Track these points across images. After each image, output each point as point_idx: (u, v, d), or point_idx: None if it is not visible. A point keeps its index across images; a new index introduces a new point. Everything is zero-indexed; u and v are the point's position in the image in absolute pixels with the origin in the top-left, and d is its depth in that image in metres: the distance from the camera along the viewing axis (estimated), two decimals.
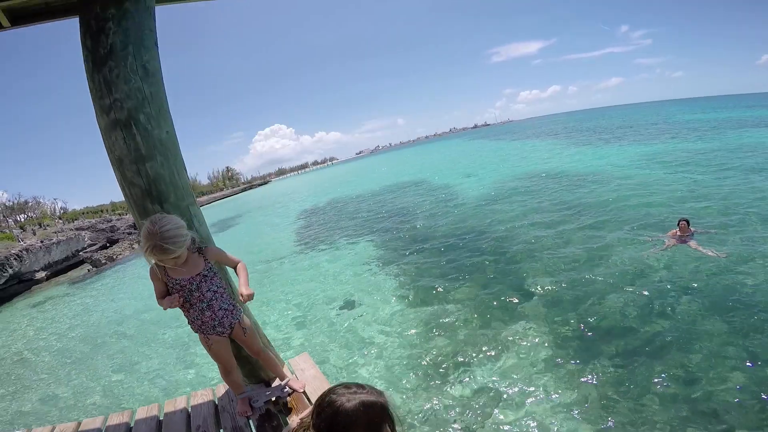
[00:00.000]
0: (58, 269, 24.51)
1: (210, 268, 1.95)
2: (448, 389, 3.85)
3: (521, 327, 4.67)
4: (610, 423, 3.05)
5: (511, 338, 4.50)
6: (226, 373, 2.11)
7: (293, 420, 1.98)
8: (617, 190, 9.95)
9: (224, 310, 1.96)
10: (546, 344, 4.26)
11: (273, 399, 2.19)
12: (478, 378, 3.92)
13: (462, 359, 4.29)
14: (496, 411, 3.39)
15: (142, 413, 2.55)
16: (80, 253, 27.04)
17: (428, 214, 11.60)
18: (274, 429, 2.05)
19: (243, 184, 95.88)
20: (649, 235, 6.49)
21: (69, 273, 23.73)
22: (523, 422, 3.21)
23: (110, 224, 37.07)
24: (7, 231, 27.96)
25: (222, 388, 2.49)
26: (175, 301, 1.86)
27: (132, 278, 15.18)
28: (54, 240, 26.77)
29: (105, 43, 2.13)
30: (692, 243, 5.71)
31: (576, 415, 3.17)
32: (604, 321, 4.46)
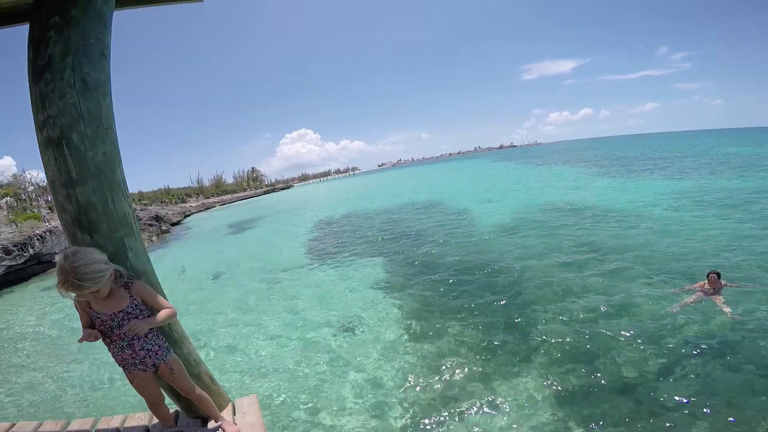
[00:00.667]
0: None
1: (136, 305, 1.85)
2: None
3: (524, 379, 4.27)
4: None
5: (512, 391, 4.10)
6: (151, 406, 2.06)
7: None
8: (644, 232, 9.28)
9: (146, 350, 1.89)
10: (549, 402, 3.86)
11: None
12: None
13: (455, 410, 3.90)
14: None
15: (75, 425, 2.48)
16: None
17: (442, 241, 11.17)
18: None
19: (266, 186, 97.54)
20: (676, 286, 5.93)
21: None
22: None
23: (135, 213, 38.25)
24: (36, 211, 28.96)
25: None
26: (90, 338, 1.76)
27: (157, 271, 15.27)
28: None
29: (44, 54, 1.97)
30: (719, 299, 5.20)
31: None
32: (615, 381, 4.01)
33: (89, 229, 1.88)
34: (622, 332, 4.82)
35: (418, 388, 4.40)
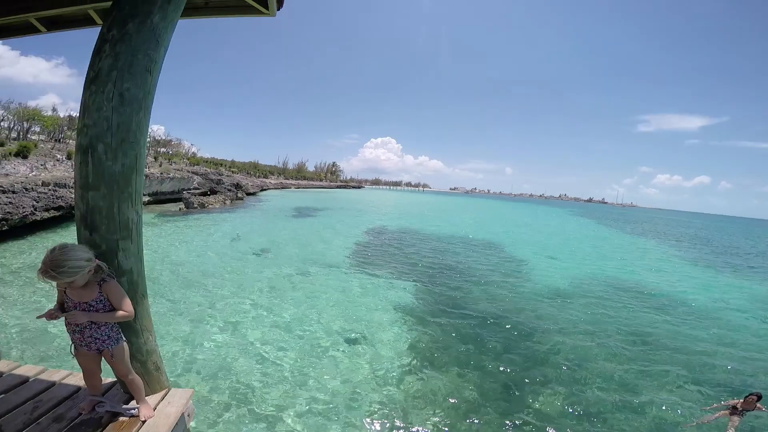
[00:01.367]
0: (160, 199, 28.08)
1: (101, 300, 2.03)
2: None
3: None
4: None
5: None
6: (85, 377, 2.23)
7: None
8: (710, 336, 7.62)
9: (94, 338, 2.06)
10: None
11: (114, 412, 2.21)
12: None
13: None
14: None
15: (22, 370, 2.62)
16: (184, 192, 30.63)
17: (482, 284, 10.29)
18: None
19: (340, 181, 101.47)
20: (715, 401, 4.90)
21: (166, 205, 26.91)
22: None
23: (219, 177, 41.77)
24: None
25: None
26: (50, 317, 1.98)
27: (201, 231, 16.39)
28: (170, 175, 30.90)
29: (96, 66, 2.15)
30: (735, 420, 4.32)
31: None
32: None
33: (90, 228, 2.12)
34: None
35: (387, 423, 4.00)
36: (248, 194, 42.93)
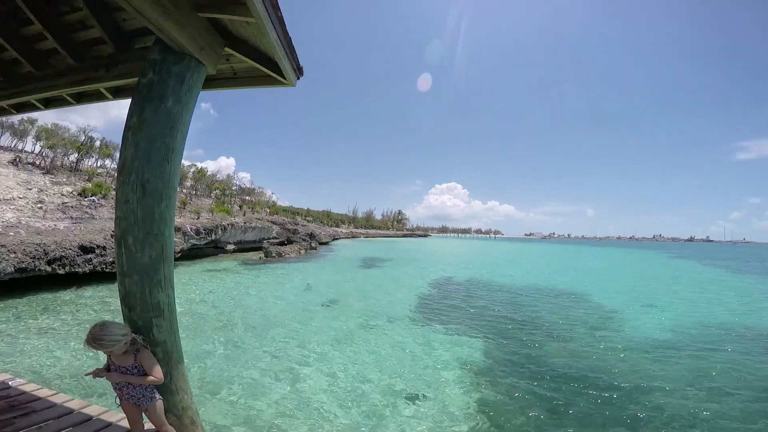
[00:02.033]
0: (244, 247, 30.50)
1: (135, 366, 2.34)
2: None
3: None
4: None
5: None
6: (129, 424, 2.51)
7: None
8: None
9: (131, 395, 2.39)
10: None
11: None
12: None
13: None
14: None
15: (91, 410, 2.89)
16: (264, 241, 33.04)
17: (566, 339, 9.17)
18: None
19: (406, 230, 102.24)
20: None
21: (248, 253, 29.09)
22: None
23: (295, 227, 44.64)
24: (229, 206, 36.69)
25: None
26: (95, 375, 2.37)
27: (276, 281, 17.23)
28: (252, 224, 33.68)
29: (123, 156, 2.42)
30: None
31: None
32: None
33: (129, 307, 2.45)
34: None
35: None
36: (321, 243, 44.92)
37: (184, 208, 29.69)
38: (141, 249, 2.37)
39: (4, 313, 9.22)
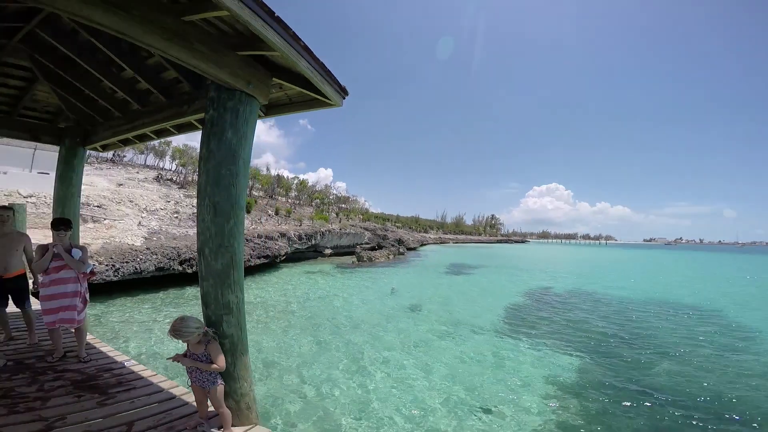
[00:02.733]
0: (339, 252, 32.47)
1: (204, 354, 2.74)
2: None
3: None
4: None
5: None
6: (197, 404, 2.90)
7: None
8: None
9: (198, 378, 2.77)
10: None
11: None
12: None
13: None
14: None
15: (176, 390, 3.39)
16: (357, 246, 34.70)
17: (686, 360, 7.68)
18: None
19: (501, 235, 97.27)
20: None
21: (343, 258, 30.83)
22: None
23: (385, 233, 46.01)
24: (326, 214, 39.48)
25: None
26: (174, 359, 2.79)
27: (364, 284, 17.92)
28: (347, 231, 35.67)
29: (200, 180, 2.81)
30: None
31: None
32: None
33: (205, 305, 2.89)
34: None
35: None
36: (409, 249, 45.41)
37: (289, 216, 32.87)
38: (215, 258, 2.78)
39: (144, 304, 11.28)
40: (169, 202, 24.27)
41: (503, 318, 11.87)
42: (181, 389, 3.39)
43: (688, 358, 8.04)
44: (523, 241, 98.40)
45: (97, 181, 25.20)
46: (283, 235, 24.26)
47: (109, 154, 35.02)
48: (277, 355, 7.43)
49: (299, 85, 3.05)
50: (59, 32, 3.32)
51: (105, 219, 18.51)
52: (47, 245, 3.78)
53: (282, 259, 22.19)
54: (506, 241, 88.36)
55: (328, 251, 31.02)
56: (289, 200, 44.52)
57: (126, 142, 5.25)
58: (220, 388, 2.80)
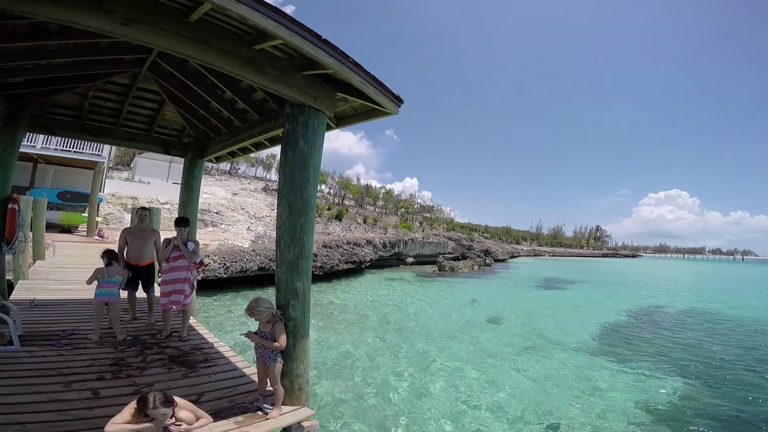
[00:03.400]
0: (421, 261, 32.68)
1: (270, 333, 3.08)
2: None
3: None
4: None
5: None
6: (258, 381, 3.30)
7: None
8: None
9: (261, 354, 3.11)
10: None
11: (259, 407, 3.13)
12: None
13: None
14: None
15: (246, 369, 3.94)
16: (439, 256, 34.54)
17: None
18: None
19: (607, 248, 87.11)
20: None
21: (424, 266, 30.97)
22: None
23: (470, 243, 44.86)
24: (410, 223, 40.10)
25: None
26: (246, 336, 3.15)
27: (444, 293, 17.82)
28: (430, 240, 35.78)
29: (279, 183, 3.34)
30: None
31: None
32: None
33: (277, 290, 3.28)
34: None
35: None
36: (497, 261, 43.48)
37: (376, 225, 34.26)
38: (288, 249, 3.21)
39: (246, 299, 12.88)
40: (273, 210, 27.24)
41: (595, 336, 10.85)
42: (252, 369, 3.86)
43: None
44: (634, 256, 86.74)
45: (217, 191, 29.46)
46: (369, 242, 25.39)
47: (227, 167, 40.72)
48: (343, 354, 7.81)
49: (359, 97, 3.44)
50: (173, 62, 4.26)
51: (221, 224, 21.55)
52: (170, 239, 4.63)
53: (367, 265, 23.19)
54: (613, 255, 78.76)
55: (410, 259, 31.44)
56: (377, 209, 46.25)
57: (232, 154, 6.26)
58: (279, 365, 3.10)
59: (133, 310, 5.23)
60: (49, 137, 14.22)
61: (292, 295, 3.22)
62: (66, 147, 15.07)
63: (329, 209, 32.30)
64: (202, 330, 5.21)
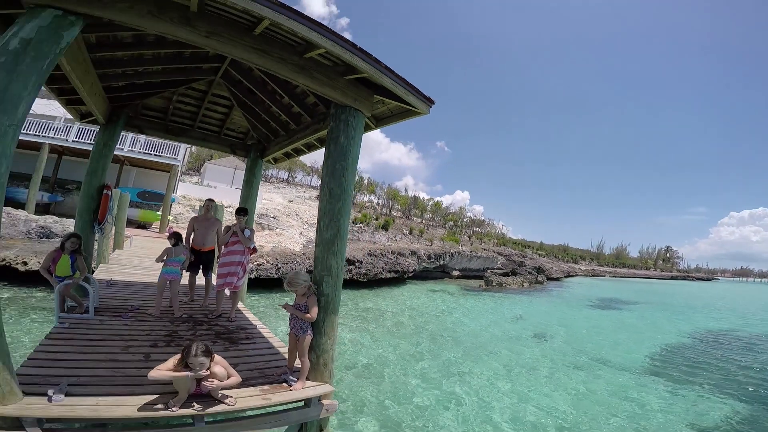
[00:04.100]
0: (467, 274, 32.14)
1: (304, 305, 3.40)
2: None
3: None
4: None
5: None
6: (288, 355, 3.63)
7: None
8: None
9: (294, 325, 3.44)
10: None
11: (287, 382, 3.37)
12: None
13: None
14: None
15: (279, 347, 4.30)
16: (487, 270, 33.76)
17: None
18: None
19: (677, 270, 79.22)
20: None
21: (470, 281, 30.43)
22: None
23: (522, 259, 43.19)
24: (457, 236, 39.67)
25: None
26: (283, 307, 3.49)
27: (487, 308, 17.51)
28: (478, 254, 35.12)
29: (323, 172, 3.85)
30: None
31: None
32: None
33: (314, 265, 3.72)
34: None
35: None
36: (550, 279, 41.46)
37: (422, 236, 34.42)
38: (326, 230, 3.63)
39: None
40: None
41: (649, 356, 10.20)
42: (285, 349, 4.13)
43: None
44: (708, 279, 78.05)
45: (274, 197, 31.47)
46: (413, 252, 25.58)
47: (285, 175, 43.27)
48: (375, 357, 7.94)
49: (393, 98, 3.88)
50: (241, 70, 5.01)
51: (276, 228, 23.03)
52: (230, 226, 5.25)
53: (410, 275, 23.38)
54: (684, 278, 71.51)
55: (455, 273, 31.03)
56: (424, 221, 46.34)
57: (287, 155, 6.98)
58: (308, 338, 3.36)
59: (192, 292, 5.80)
60: (135, 141, 16.32)
61: (326, 271, 3.57)
62: (147, 150, 17.11)
63: (377, 219, 33.03)
64: (249, 315, 5.74)
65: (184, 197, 23.53)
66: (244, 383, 3.08)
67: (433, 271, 28.35)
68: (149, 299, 5.39)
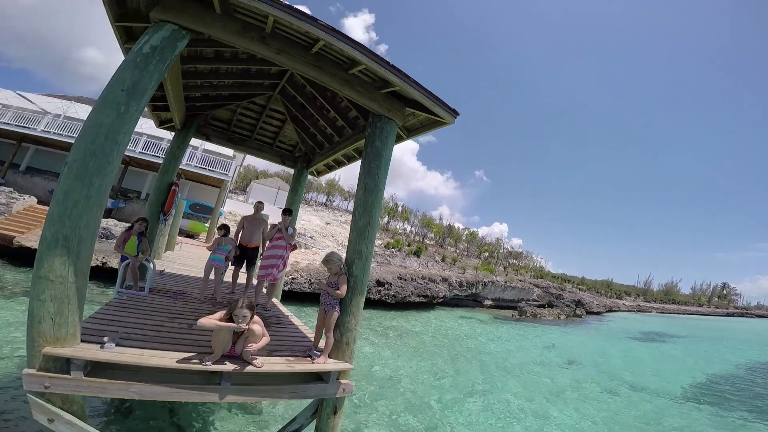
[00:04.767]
0: (500, 305, 31.37)
1: (335, 283, 3.81)
2: None
3: None
4: None
5: None
6: (316, 332, 4.02)
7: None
8: None
9: (324, 301, 3.82)
10: None
11: (310, 357, 3.74)
12: None
13: None
14: None
15: (306, 332, 4.36)
16: (521, 301, 32.79)
17: None
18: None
19: (734, 307, 72.26)
20: None
21: (503, 311, 29.68)
22: None
23: (560, 292, 41.50)
24: (493, 267, 39.00)
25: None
26: (318, 285, 4.40)
27: (518, 336, 17.13)
28: (513, 284, 34.29)
29: (360, 171, 4.39)
30: None
31: None
32: None
33: (347, 249, 4.19)
34: None
35: None
36: (590, 313, 39.43)
37: (455, 264, 34.18)
38: (360, 218, 4.13)
39: None
40: None
41: (696, 386, 9.73)
42: (312, 334, 4.62)
43: None
44: (766, 316, 70.62)
45: (312, 218, 32.77)
46: (444, 279, 25.53)
47: (324, 198, 44.97)
48: (394, 371, 8.10)
49: (422, 110, 4.51)
50: (296, 86, 5.86)
51: (313, 247, 23.98)
52: (276, 224, 5.84)
53: (439, 301, 23.28)
54: (742, 314, 65.12)
55: (488, 302, 30.39)
56: (458, 250, 45.94)
57: (329, 167, 7.78)
58: (335, 314, 3.70)
59: (234, 284, 6.33)
60: (192, 156, 18.02)
61: (357, 255, 4.04)
62: (202, 165, 18.77)
63: (409, 245, 33.31)
64: (282, 308, 6.25)
65: (230, 213, 25.17)
66: (272, 353, 3.50)
67: (465, 299, 28.00)
68: (194, 288, 5.91)
